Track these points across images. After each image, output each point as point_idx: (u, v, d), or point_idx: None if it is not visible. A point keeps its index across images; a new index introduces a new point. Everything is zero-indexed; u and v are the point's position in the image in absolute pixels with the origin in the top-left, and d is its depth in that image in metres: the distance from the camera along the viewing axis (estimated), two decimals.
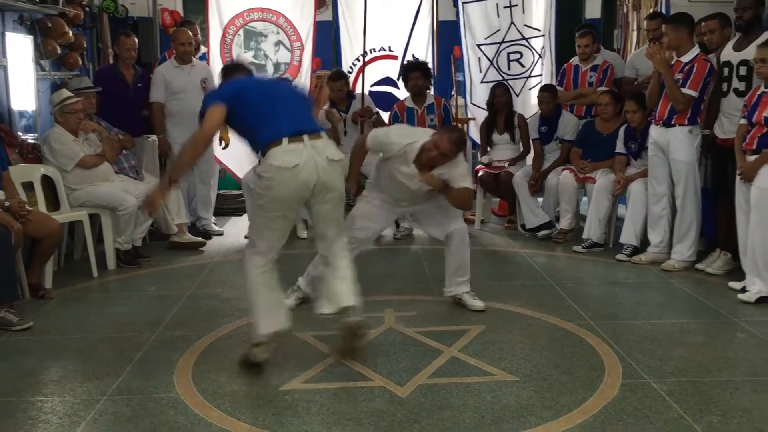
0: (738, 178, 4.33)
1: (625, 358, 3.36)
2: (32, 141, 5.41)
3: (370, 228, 4.08)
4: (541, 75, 6.73)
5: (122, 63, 5.87)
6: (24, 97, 5.62)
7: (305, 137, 3.09)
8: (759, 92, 4.27)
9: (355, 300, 3.32)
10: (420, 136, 3.86)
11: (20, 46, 5.58)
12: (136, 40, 5.91)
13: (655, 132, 4.89)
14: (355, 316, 3.30)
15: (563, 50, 6.75)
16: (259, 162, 3.19)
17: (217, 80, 6.22)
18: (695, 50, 4.71)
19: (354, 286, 3.35)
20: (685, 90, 4.65)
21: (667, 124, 4.78)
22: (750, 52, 4.44)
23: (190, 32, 5.99)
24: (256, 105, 3.17)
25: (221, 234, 6.20)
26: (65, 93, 5.06)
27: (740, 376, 3.18)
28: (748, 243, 4.24)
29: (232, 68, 3.66)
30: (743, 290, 4.27)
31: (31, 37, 5.69)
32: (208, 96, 3.38)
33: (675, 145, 4.76)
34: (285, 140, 3.05)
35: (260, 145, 3.11)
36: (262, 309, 3.21)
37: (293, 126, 3.11)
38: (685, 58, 4.71)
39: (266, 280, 3.22)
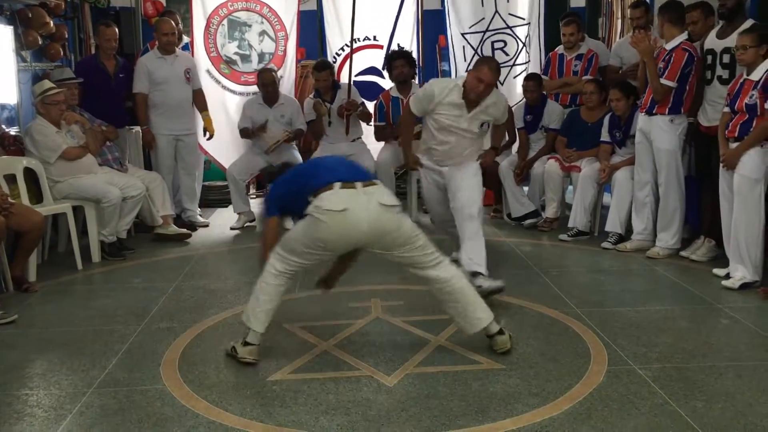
0: (721, 165, 4.36)
1: (610, 345, 3.38)
2: (14, 133, 5.35)
3: (442, 212, 4.53)
4: (525, 63, 6.74)
5: (103, 53, 5.82)
6: (5, 89, 5.54)
7: (358, 184, 3.10)
8: (741, 80, 4.29)
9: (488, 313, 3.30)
10: (456, 79, 4.20)
11: (0, 36, 5.50)
12: (117, 30, 5.86)
13: (641, 120, 4.92)
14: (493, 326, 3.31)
15: (548, 39, 6.76)
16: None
17: (201, 71, 6.26)
18: (680, 38, 4.71)
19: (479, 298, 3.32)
20: (662, 80, 4.66)
21: (649, 112, 4.81)
22: (733, 40, 4.45)
23: (172, 22, 5.94)
24: (310, 170, 3.34)
25: (207, 225, 6.18)
26: (47, 84, 5.01)
27: (724, 361, 3.21)
28: (731, 230, 4.27)
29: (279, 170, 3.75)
30: (727, 277, 4.31)
31: (12, 27, 5.61)
32: (266, 207, 3.47)
33: (656, 133, 4.79)
34: (337, 185, 3.08)
35: (312, 189, 3.11)
36: (266, 310, 3.22)
37: (346, 175, 3.15)
38: (669, 46, 4.72)
39: (277, 289, 3.23)
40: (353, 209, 3.02)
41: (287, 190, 3.32)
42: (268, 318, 3.24)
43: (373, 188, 3.12)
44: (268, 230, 3.37)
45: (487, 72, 4.05)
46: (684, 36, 4.71)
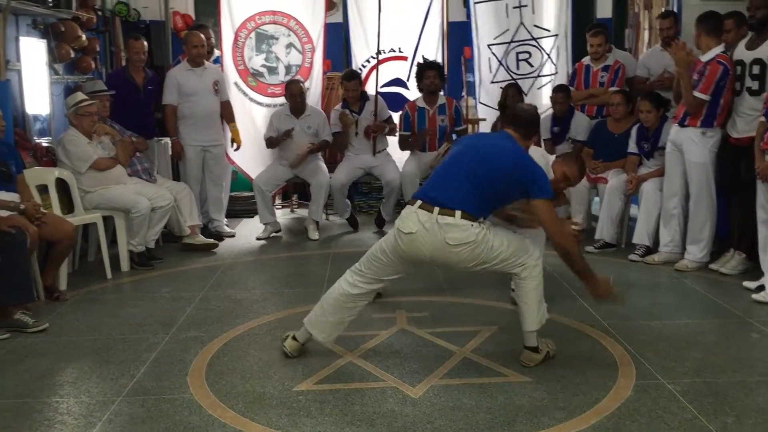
0: (758, 178, 4.27)
1: (638, 359, 3.35)
2: (46, 144, 5.45)
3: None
4: (551, 75, 6.71)
5: (132, 66, 5.92)
6: (38, 100, 5.66)
7: (436, 209, 3.09)
8: None
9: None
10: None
11: (34, 50, 5.62)
12: (146, 43, 5.96)
13: (673, 131, 4.88)
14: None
15: (574, 50, 6.73)
16: None
17: (229, 84, 6.33)
18: (716, 50, 4.63)
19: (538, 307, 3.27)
20: (695, 93, 4.61)
21: (681, 124, 4.76)
22: (763, 51, 4.42)
23: (202, 35, 6.03)
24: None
25: (233, 236, 6.23)
26: (80, 95, 5.11)
27: (755, 376, 3.16)
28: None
29: None
30: (758, 290, 4.25)
31: (45, 41, 5.74)
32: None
33: (687, 145, 4.74)
34: (418, 203, 3.14)
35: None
36: (324, 317, 3.34)
37: (433, 193, 3.15)
38: (705, 58, 4.66)
39: (344, 298, 3.32)
40: (419, 235, 3.09)
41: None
42: (327, 328, 3.34)
43: (448, 219, 3.07)
44: None
45: (575, 172, 3.82)
46: (721, 48, 4.64)
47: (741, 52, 4.62)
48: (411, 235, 3.10)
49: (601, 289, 3.24)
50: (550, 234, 3.23)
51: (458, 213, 3.07)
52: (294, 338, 3.43)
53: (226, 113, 6.21)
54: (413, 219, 3.11)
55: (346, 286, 3.34)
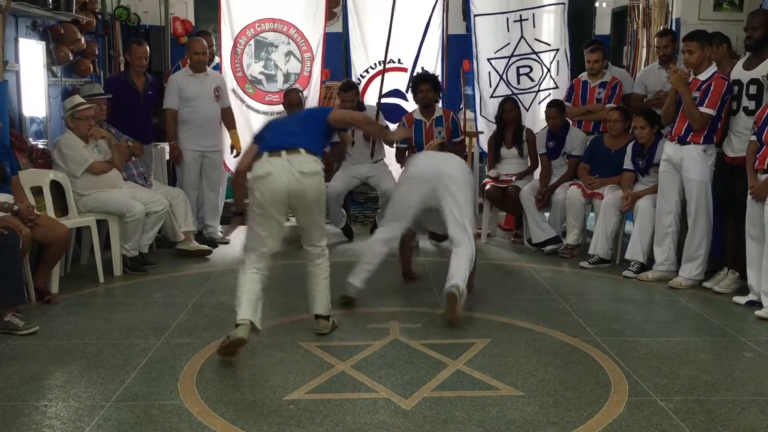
0: (750, 196, 4.32)
1: (631, 375, 3.34)
2: (42, 146, 5.43)
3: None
4: (551, 89, 6.73)
5: (133, 71, 5.91)
6: (35, 102, 5.64)
7: (283, 152, 3.59)
8: None
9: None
10: None
11: (32, 52, 5.61)
12: (148, 48, 5.96)
13: (669, 148, 4.88)
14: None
15: (572, 66, 6.76)
16: None
17: (229, 90, 6.34)
18: (713, 68, 4.68)
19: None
20: (702, 109, 4.62)
21: (683, 141, 4.76)
22: (760, 72, 4.45)
23: (204, 42, 6.03)
24: (265, 135, 3.84)
25: (227, 242, 6.21)
26: (78, 99, 5.10)
27: (747, 395, 3.16)
28: (764, 262, 4.24)
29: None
30: (749, 305, 4.32)
31: (44, 43, 5.73)
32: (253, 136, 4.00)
33: (688, 162, 4.75)
34: (266, 154, 3.61)
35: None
36: (242, 299, 3.60)
37: (276, 143, 3.65)
38: (703, 76, 4.68)
39: (249, 281, 3.64)
40: (275, 173, 3.54)
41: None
42: (249, 306, 3.56)
43: (296, 156, 3.59)
44: (246, 151, 3.91)
45: None
46: (714, 67, 4.70)
47: (738, 72, 4.65)
48: (267, 176, 3.53)
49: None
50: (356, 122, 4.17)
51: (302, 150, 3.62)
52: (237, 325, 3.55)
53: (227, 119, 6.21)
54: (265, 164, 3.57)
55: (247, 270, 3.72)
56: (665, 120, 5.02)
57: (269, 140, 3.71)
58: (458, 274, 4.04)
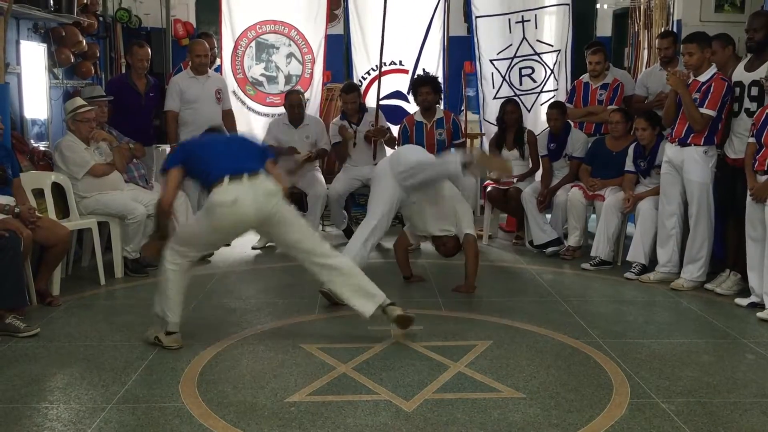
0: (749, 197, 4.32)
1: (633, 377, 3.33)
2: (44, 148, 5.44)
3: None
4: (553, 90, 6.73)
5: (134, 73, 5.92)
6: (36, 104, 5.65)
7: (245, 176, 3.52)
8: (767, 111, 4.27)
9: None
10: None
11: (34, 54, 5.62)
12: (149, 50, 5.96)
13: (670, 150, 4.87)
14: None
15: (573, 68, 6.76)
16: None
17: (229, 91, 6.34)
18: (712, 69, 4.68)
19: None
20: (702, 110, 4.62)
21: (683, 143, 4.75)
22: (761, 73, 4.44)
23: (206, 44, 6.04)
24: (206, 157, 3.69)
25: (228, 245, 6.20)
26: (78, 101, 5.10)
27: (749, 397, 3.15)
28: (765, 263, 4.23)
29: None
30: (751, 306, 4.32)
31: (45, 45, 5.74)
32: (167, 160, 3.90)
33: (689, 164, 4.74)
34: (226, 179, 3.50)
35: (208, 185, 3.57)
36: (177, 301, 3.64)
37: (234, 167, 3.55)
38: (702, 78, 4.68)
39: (181, 281, 3.64)
40: (242, 198, 3.48)
41: (187, 158, 3.72)
42: (181, 306, 3.66)
43: (258, 179, 3.55)
44: (170, 179, 3.68)
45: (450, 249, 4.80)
46: (714, 68, 4.69)
47: (740, 74, 4.65)
48: (234, 203, 3.46)
49: None
50: None
51: (262, 172, 3.61)
52: (168, 333, 3.65)
53: (228, 122, 6.21)
54: (230, 190, 3.47)
55: (175, 270, 3.63)
56: (665, 122, 5.01)
57: (222, 164, 3.58)
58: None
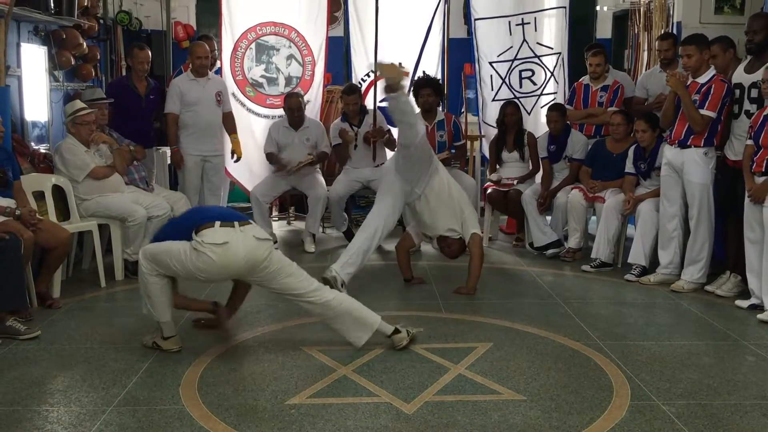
0: (747, 199, 4.33)
1: (633, 379, 3.33)
2: (44, 151, 5.44)
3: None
4: (553, 93, 6.73)
5: (135, 75, 5.92)
6: (37, 107, 5.66)
7: (235, 223, 3.54)
8: (765, 113, 4.28)
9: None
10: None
11: (34, 56, 5.62)
12: (150, 52, 5.97)
13: (670, 152, 4.87)
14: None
15: (572, 70, 6.76)
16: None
17: (229, 93, 6.33)
18: (711, 71, 4.70)
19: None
20: (703, 111, 4.63)
21: (683, 144, 4.76)
22: (761, 75, 4.44)
23: (207, 46, 6.04)
24: (190, 214, 3.86)
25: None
26: (78, 104, 5.10)
27: (750, 399, 3.15)
28: (763, 264, 4.23)
29: None
30: (752, 308, 4.32)
31: (46, 47, 5.74)
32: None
33: (689, 166, 4.75)
34: (218, 223, 3.51)
35: (195, 225, 3.54)
36: (162, 301, 3.60)
37: (225, 216, 3.60)
38: (702, 79, 4.69)
39: (160, 284, 3.59)
40: (233, 242, 3.45)
41: (174, 232, 3.65)
42: (169, 306, 3.63)
43: (248, 226, 3.57)
44: None
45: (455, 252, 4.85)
46: (713, 70, 4.71)
47: (740, 76, 4.66)
48: (225, 245, 3.43)
49: None
50: None
51: (252, 222, 3.64)
52: (166, 338, 3.68)
53: (228, 124, 6.21)
54: (221, 233, 3.47)
55: (150, 273, 3.55)
56: (663, 123, 5.01)
57: (212, 212, 3.70)
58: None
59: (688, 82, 4.72)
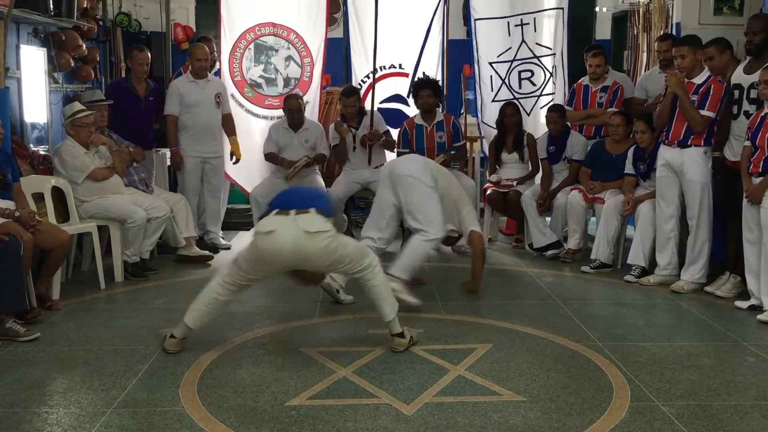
0: (745, 200, 4.34)
1: (633, 380, 3.33)
2: (43, 152, 5.44)
3: None
4: (552, 94, 6.74)
5: (134, 77, 5.92)
6: (36, 109, 5.65)
7: (292, 211, 3.43)
8: (762, 114, 4.29)
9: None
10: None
11: (34, 58, 5.62)
12: (149, 54, 5.97)
13: (668, 153, 4.87)
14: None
15: (572, 71, 6.77)
16: None
17: (228, 95, 6.33)
18: (706, 72, 4.72)
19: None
20: (704, 112, 4.64)
21: (683, 144, 4.76)
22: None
23: (206, 48, 6.04)
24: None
25: (229, 248, 6.21)
26: (77, 106, 5.10)
27: (749, 400, 3.15)
28: (762, 264, 4.24)
29: None
30: (751, 309, 4.33)
31: (45, 49, 5.74)
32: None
33: (690, 165, 4.75)
34: (273, 212, 3.47)
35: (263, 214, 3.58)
36: (202, 311, 3.63)
37: (286, 203, 3.52)
38: (698, 80, 4.70)
39: (219, 298, 3.61)
40: (279, 231, 3.36)
41: None
42: (201, 319, 3.63)
43: (304, 216, 3.41)
44: None
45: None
46: (708, 71, 4.73)
47: (739, 76, 4.66)
48: (270, 234, 3.36)
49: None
50: None
51: (312, 210, 3.45)
52: (172, 336, 3.66)
53: (227, 126, 6.21)
54: (271, 222, 3.41)
55: (222, 284, 3.61)
56: (659, 123, 5.00)
57: (277, 201, 3.63)
58: (398, 262, 4.36)
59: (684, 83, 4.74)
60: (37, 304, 4.37)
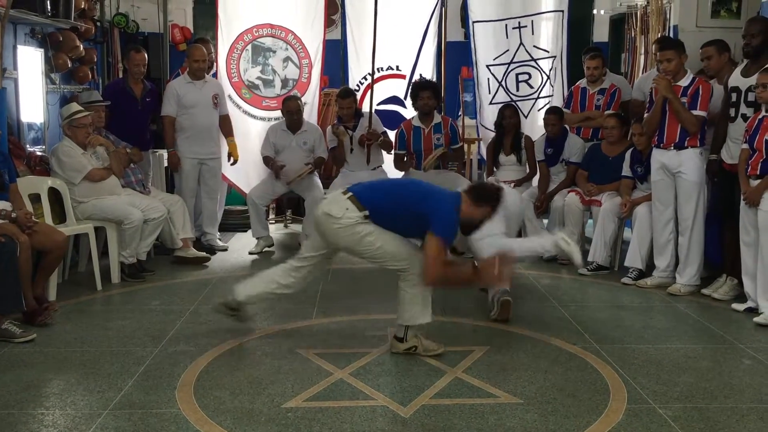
0: (743, 202, 4.35)
1: (630, 383, 3.33)
2: (40, 153, 5.43)
3: None
4: (549, 96, 6.74)
5: (131, 78, 5.91)
6: (33, 109, 5.64)
7: (341, 190, 3.68)
8: (760, 116, 4.30)
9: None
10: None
11: (31, 59, 5.61)
12: (146, 55, 5.96)
13: (664, 156, 4.87)
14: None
15: (570, 73, 6.77)
16: None
17: (225, 96, 6.33)
18: (690, 74, 4.80)
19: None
20: (696, 112, 4.68)
21: (680, 146, 4.77)
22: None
23: (204, 49, 6.04)
24: None
25: (225, 249, 6.20)
26: (74, 107, 5.09)
27: (746, 403, 3.15)
28: (758, 266, 4.25)
29: None
30: (748, 311, 4.33)
31: (42, 50, 5.73)
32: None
33: (688, 166, 4.76)
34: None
35: None
36: (256, 283, 3.90)
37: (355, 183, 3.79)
38: (683, 83, 4.76)
39: (277, 276, 3.84)
40: (320, 205, 3.70)
41: None
42: (254, 294, 3.90)
43: (341, 197, 3.59)
44: None
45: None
46: (691, 73, 4.83)
47: (737, 79, 4.66)
48: (318, 205, 3.71)
49: (486, 277, 3.63)
50: (424, 264, 3.50)
51: (349, 193, 3.58)
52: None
53: (225, 127, 6.21)
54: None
55: (287, 267, 3.85)
56: (649, 128, 4.99)
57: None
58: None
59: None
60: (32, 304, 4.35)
